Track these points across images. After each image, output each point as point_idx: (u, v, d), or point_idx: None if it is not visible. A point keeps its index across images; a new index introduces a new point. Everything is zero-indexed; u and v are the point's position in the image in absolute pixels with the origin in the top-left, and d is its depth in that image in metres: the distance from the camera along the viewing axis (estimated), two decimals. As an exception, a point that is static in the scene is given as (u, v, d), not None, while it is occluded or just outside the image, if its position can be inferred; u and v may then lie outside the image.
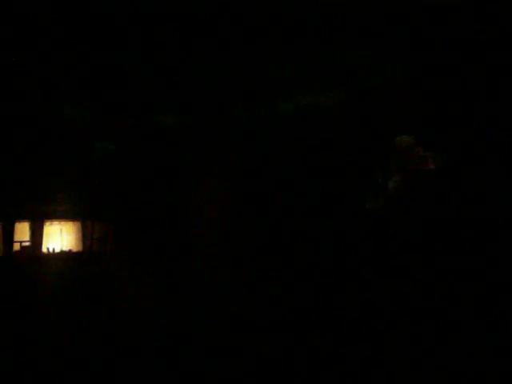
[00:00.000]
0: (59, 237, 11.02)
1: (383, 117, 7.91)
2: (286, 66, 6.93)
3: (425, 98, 7.60)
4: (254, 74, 7.06)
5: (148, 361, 5.28)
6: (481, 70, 7.17)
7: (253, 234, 8.29)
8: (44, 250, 11.08)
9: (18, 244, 10.76)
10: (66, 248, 11.19)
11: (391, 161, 8.27)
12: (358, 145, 8.02)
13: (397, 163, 8.13)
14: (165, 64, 6.86)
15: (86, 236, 10.90)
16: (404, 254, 7.58)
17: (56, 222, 10.89)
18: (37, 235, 10.89)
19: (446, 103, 7.56)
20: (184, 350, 5.48)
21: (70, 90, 7.61)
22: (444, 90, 7.41)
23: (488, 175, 7.63)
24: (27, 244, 10.89)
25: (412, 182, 7.99)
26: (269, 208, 8.19)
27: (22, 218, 10.55)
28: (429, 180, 7.97)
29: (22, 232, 10.79)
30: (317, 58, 6.79)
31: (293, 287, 7.18)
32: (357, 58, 6.97)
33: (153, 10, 5.55)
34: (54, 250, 11.29)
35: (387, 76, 7.47)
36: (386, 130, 8.21)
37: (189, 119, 8.15)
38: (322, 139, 8.05)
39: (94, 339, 5.99)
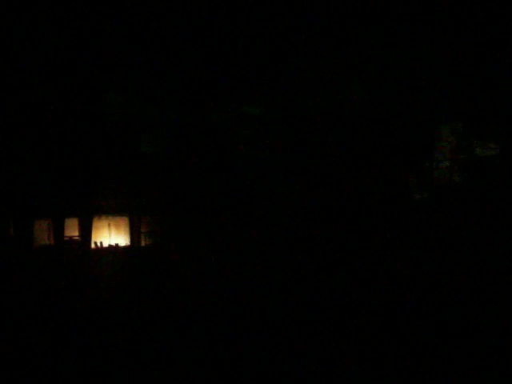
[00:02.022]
0: (107, 231, 11.39)
1: (430, 105, 7.85)
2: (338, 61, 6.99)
3: (474, 88, 7.51)
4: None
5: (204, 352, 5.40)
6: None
7: (306, 231, 8.38)
8: (92, 244, 11.48)
9: (68, 239, 11.17)
10: (113, 242, 11.56)
11: (438, 150, 8.24)
12: (404, 134, 7.99)
13: (444, 152, 8.09)
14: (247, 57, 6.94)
15: (133, 230, 11.22)
16: (454, 247, 7.55)
17: (104, 217, 11.25)
18: (85, 230, 11.28)
19: (496, 92, 7.45)
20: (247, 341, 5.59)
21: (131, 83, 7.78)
22: (493, 79, 7.30)
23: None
24: (77, 239, 11.29)
25: (460, 171, 7.95)
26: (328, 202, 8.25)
27: (71, 214, 10.93)
28: (477, 169, 7.90)
29: (72, 227, 11.18)
30: (363, 51, 6.81)
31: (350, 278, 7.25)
32: (405, 47, 6.94)
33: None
34: (101, 244, 11.68)
35: (434, 65, 7.40)
36: (432, 119, 8.16)
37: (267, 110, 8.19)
38: (365, 129, 8.04)
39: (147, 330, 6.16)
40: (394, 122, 8.05)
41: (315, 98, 8.13)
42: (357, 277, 7.48)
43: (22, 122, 8.98)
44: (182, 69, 7.47)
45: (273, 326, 5.92)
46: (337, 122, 8.06)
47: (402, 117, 8.04)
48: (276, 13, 6.09)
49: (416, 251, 7.71)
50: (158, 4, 6.38)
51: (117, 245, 11.73)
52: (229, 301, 7.02)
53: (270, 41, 7.23)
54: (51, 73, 8.00)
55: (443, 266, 7.38)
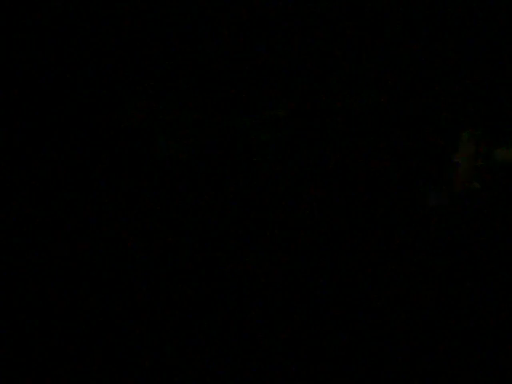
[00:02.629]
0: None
1: (448, 108, 7.66)
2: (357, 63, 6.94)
3: (495, 90, 7.33)
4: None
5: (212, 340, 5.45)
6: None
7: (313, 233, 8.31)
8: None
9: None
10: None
11: (457, 155, 8.07)
12: (421, 138, 7.83)
13: (463, 157, 7.93)
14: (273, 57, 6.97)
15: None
16: (472, 256, 7.38)
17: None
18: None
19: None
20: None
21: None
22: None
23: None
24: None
25: (479, 178, 7.77)
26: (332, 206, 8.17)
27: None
28: (498, 175, 7.71)
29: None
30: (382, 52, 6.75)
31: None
32: (424, 48, 6.85)
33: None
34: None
35: (453, 65, 7.27)
36: (451, 122, 7.98)
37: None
38: (382, 132, 7.92)
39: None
40: (412, 127, 7.96)
41: (337, 101, 8.12)
42: (365, 283, 7.42)
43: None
44: (205, 70, 7.56)
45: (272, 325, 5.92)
46: (356, 125, 8.01)
47: (422, 122, 7.94)
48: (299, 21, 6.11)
49: (430, 257, 7.59)
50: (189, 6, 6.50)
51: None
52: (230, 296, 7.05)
53: (293, 46, 7.27)
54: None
55: (460, 275, 7.23)
